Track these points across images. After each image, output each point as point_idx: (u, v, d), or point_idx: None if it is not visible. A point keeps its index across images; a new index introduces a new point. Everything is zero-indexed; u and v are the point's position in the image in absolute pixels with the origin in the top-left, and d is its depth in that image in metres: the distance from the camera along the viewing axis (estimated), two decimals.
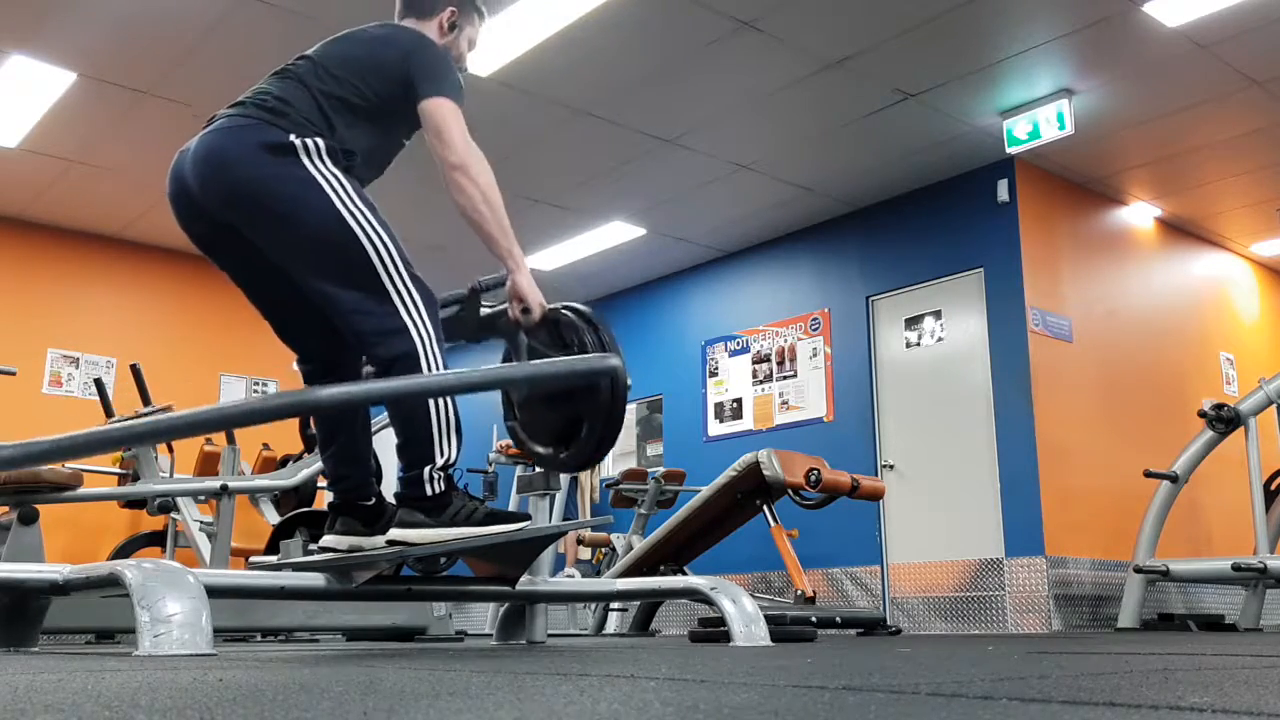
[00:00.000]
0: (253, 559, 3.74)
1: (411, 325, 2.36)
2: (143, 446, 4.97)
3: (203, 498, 5.45)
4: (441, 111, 2.44)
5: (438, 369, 2.38)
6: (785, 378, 7.36)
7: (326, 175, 2.34)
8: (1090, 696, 1.01)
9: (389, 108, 2.50)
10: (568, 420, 2.67)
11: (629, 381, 2.54)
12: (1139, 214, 7.12)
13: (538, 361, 2.48)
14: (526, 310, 2.52)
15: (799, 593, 4.93)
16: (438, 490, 2.40)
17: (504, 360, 2.75)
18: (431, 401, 2.38)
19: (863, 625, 5.12)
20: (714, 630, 3.35)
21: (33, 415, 7.01)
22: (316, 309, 2.45)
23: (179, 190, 2.43)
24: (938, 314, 6.63)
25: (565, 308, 2.68)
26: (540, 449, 2.78)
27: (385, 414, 2.58)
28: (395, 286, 2.36)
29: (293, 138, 2.33)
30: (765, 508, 5.16)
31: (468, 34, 2.75)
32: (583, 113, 5.79)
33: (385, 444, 2.72)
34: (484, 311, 2.73)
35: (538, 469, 2.97)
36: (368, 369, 2.54)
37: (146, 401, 5.36)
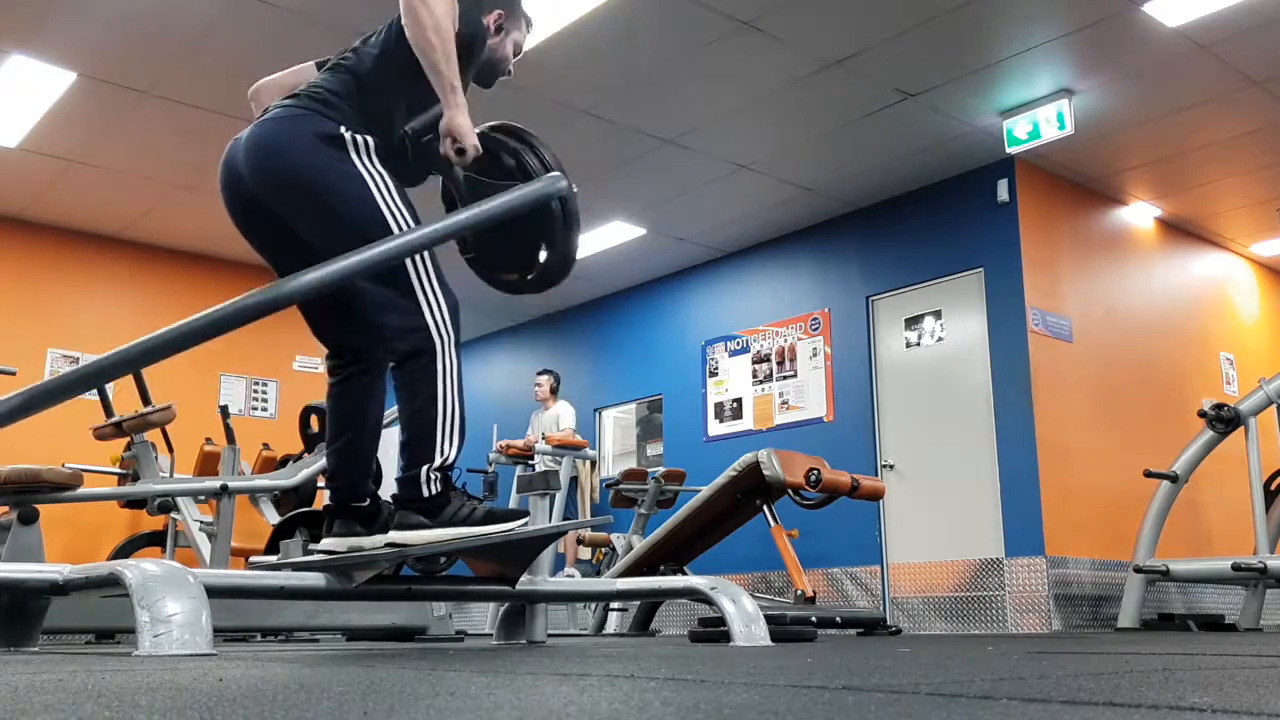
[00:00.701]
0: (253, 559, 3.74)
1: (433, 325, 2.42)
2: (141, 442, 4.96)
3: (203, 498, 5.45)
4: None
5: (453, 372, 2.43)
6: (785, 378, 7.36)
7: (373, 172, 2.41)
8: (1090, 696, 1.01)
9: (415, 83, 2.50)
10: (524, 242, 2.64)
11: (575, 188, 2.54)
12: (1139, 214, 7.12)
13: (488, 203, 2.43)
14: (461, 151, 2.50)
15: (799, 593, 4.93)
16: (434, 491, 2.41)
17: (443, 194, 2.72)
18: (441, 398, 2.42)
19: (863, 625, 5.11)
20: (714, 630, 3.35)
21: (32, 415, 7.00)
22: (347, 303, 2.50)
23: (230, 176, 2.48)
24: (938, 314, 6.63)
25: (494, 129, 2.65)
26: (504, 276, 2.75)
27: (394, 411, 2.57)
28: (423, 288, 2.42)
29: (344, 130, 2.40)
30: (765, 508, 5.16)
31: (514, 38, 2.77)
32: (583, 113, 5.79)
33: (385, 444, 2.71)
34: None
35: (537, 469, 2.97)
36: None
37: (146, 401, 5.35)
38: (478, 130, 2.56)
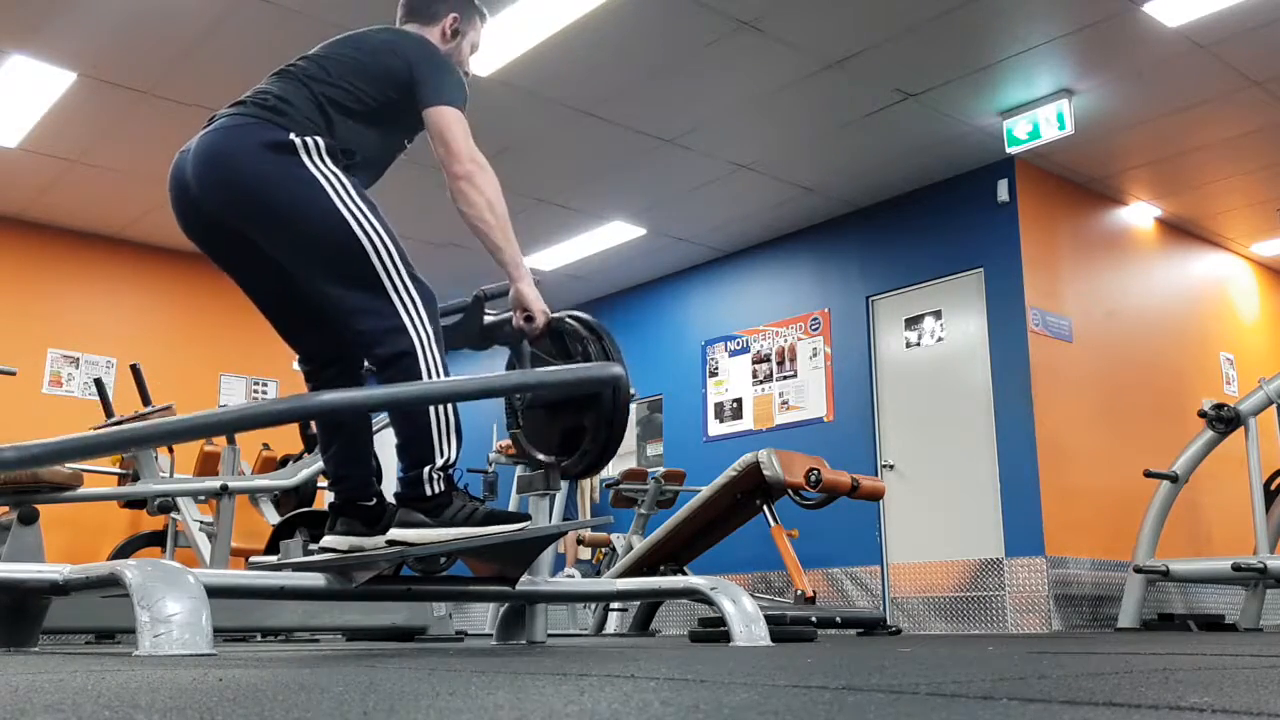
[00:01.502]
0: (253, 559, 3.74)
1: (410, 325, 2.36)
2: (146, 449, 4.96)
3: (203, 498, 5.45)
4: (446, 119, 2.45)
5: (437, 368, 2.38)
6: (785, 378, 7.36)
7: (327, 174, 2.35)
8: (1090, 696, 1.01)
9: (390, 112, 2.50)
10: (571, 428, 2.68)
11: (633, 390, 2.55)
12: (1139, 214, 7.12)
13: (541, 369, 2.48)
14: (530, 319, 2.53)
15: (799, 593, 4.93)
16: (437, 490, 2.40)
17: (508, 368, 2.76)
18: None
19: (863, 625, 5.11)
20: (714, 630, 3.35)
21: (33, 415, 7.01)
22: (317, 308, 2.46)
23: (179, 190, 2.43)
24: (938, 314, 6.63)
25: (570, 316, 2.69)
26: (543, 456, 2.78)
27: (384, 416, 2.58)
28: (395, 286, 2.36)
29: (293, 136, 2.33)
30: (765, 508, 5.16)
31: (470, 39, 2.76)
32: (583, 113, 5.79)
33: (385, 444, 2.72)
34: (488, 319, 2.73)
35: (538, 470, 2.98)
36: (368, 368, 2.54)
37: (146, 401, 5.36)
38: (555, 315, 2.59)
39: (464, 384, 2.35)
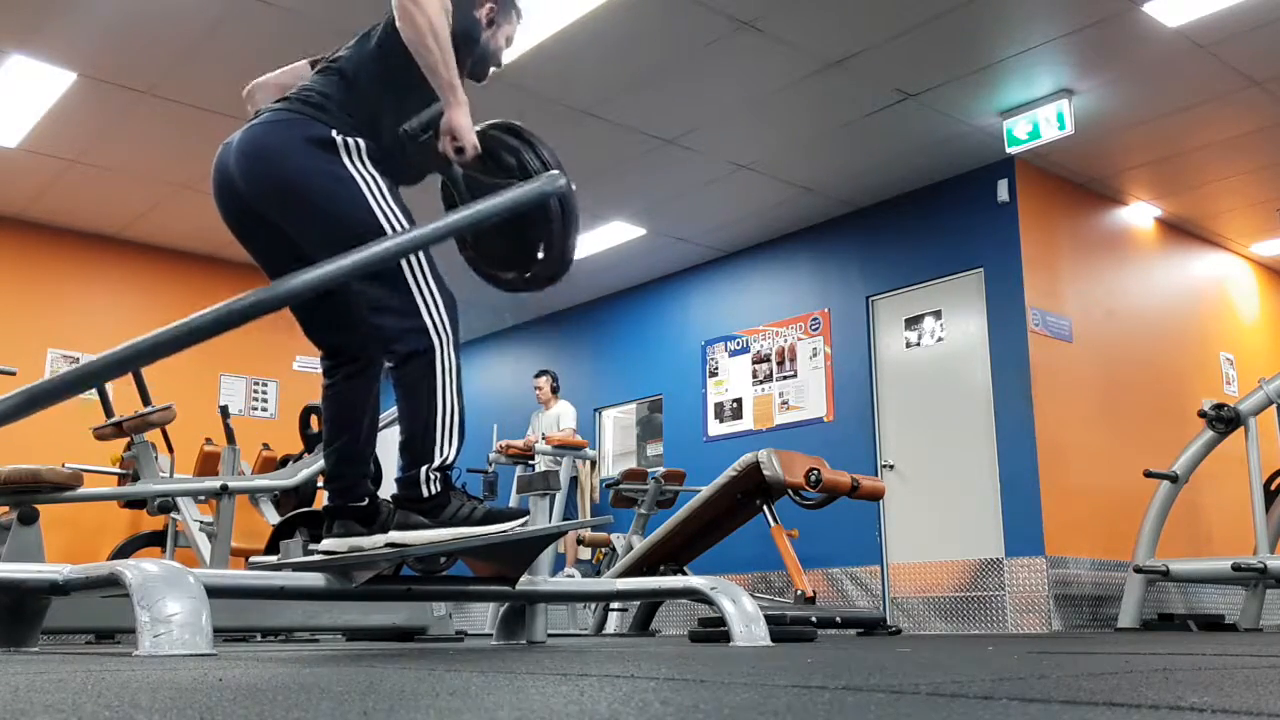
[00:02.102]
0: (253, 559, 3.74)
1: (431, 325, 2.41)
2: (141, 442, 4.96)
3: (203, 498, 5.45)
4: None
5: (453, 371, 2.42)
6: (785, 378, 7.36)
7: (365, 175, 2.40)
8: (1090, 696, 1.01)
9: (408, 78, 2.49)
10: (523, 241, 2.63)
11: (574, 186, 2.53)
12: (1139, 214, 7.12)
13: (488, 202, 2.42)
14: (460, 150, 2.49)
15: (799, 593, 4.93)
16: (434, 491, 2.41)
17: (442, 193, 2.71)
18: (440, 399, 2.41)
19: (863, 625, 5.11)
20: (714, 630, 3.35)
21: (32, 415, 7.00)
22: (342, 304, 2.50)
23: (223, 180, 2.47)
24: (938, 314, 6.63)
25: (493, 127, 2.64)
26: (504, 274, 2.74)
27: (392, 411, 2.57)
28: (419, 288, 2.41)
29: (335, 134, 2.39)
30: (765, 508, 5.16)
31: (505, 30, 2.76)
32: (583, 113, 5.79)
33: (385, 444, 2.72)
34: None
35: (537, 469, 2.97)
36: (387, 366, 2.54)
37: (146, 401, 5.35)
38: (477, 129, 2.55)
39: (421, 234, 2.30)
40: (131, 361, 2.20)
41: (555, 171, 2.53)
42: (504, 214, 2.43)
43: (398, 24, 2.43)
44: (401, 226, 2.39)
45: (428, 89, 2.50)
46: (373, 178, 2.41)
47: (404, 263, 2.39)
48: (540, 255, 2.61)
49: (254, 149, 2.40)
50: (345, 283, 2.38)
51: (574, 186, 2.54)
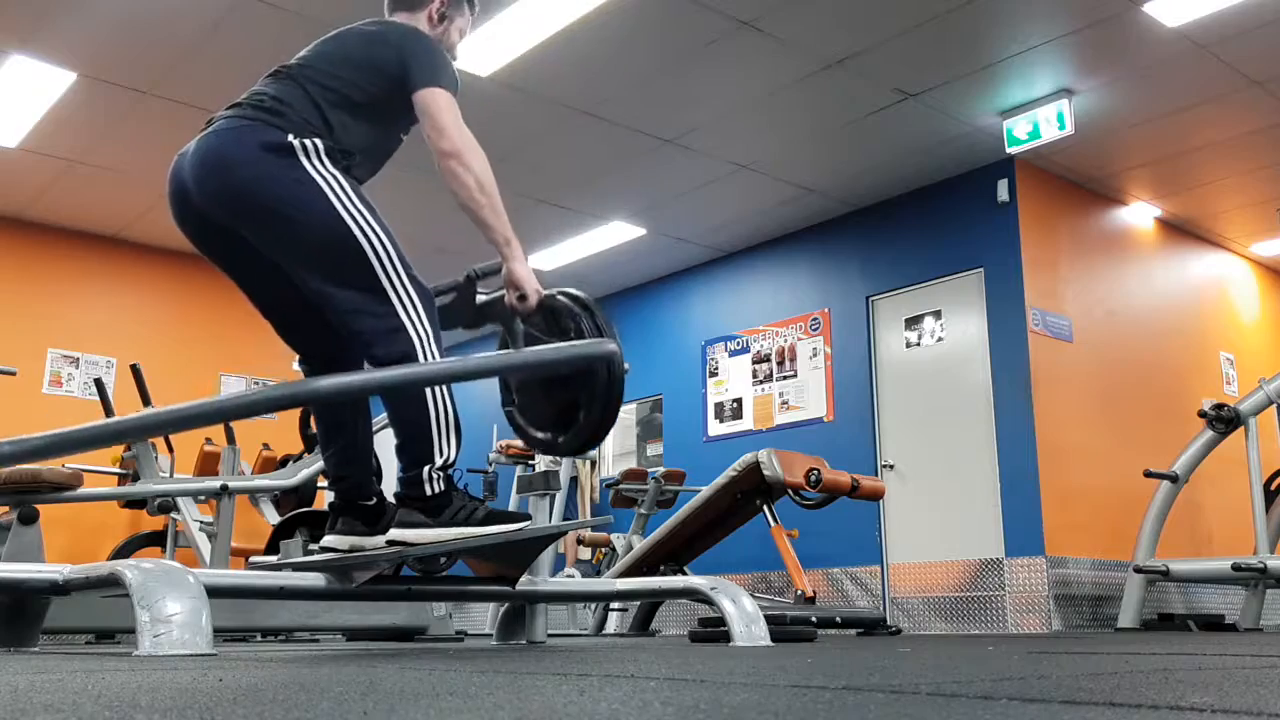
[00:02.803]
0: (253, 559, 3.74)
1: (410, 325, 2.37)
2: (141, 442, 4.96)
3: (203, 498, 5.45)
4: (435, 100, 2.44)
5: None
6: (785, 378, 7.36)
7: (325, 175, 2.35)
8: (1090, 696, 1.01)
9: (386, 104, 2.50)
10: (565, 405, 2.66)
11: (626, 366, 2.54)
12: (1139, 214, 7.12)
13: (535, 348, 2.47)
14: (523, 297, 2.52)
15: (799, 593, 4.93)
16: (437, 490, 2.40)
17: (500, 348, 2.75)
18: (430, 401, 2.39)
19: (863, 625, 5.11)
20: (714, 630, 3.35)
21: (33, 415, 7.01)
22: (316, 308, 2.46)
23: (178, 192, 2.43)
24: (938, 314, 6.63)
25: (560, 293, 2.68)
26: (538, 434, 2.77)
27: (386, 414, 2.58)
28: (393, 286, 2.37)
29: (291, 138, 2.33)
30: (765, 508, 5.16)
31: (458, 24, 2.76)
32: (583, 113, 5.79)
33: (385, 444, 2.72)
34: (480, 299, 2.72)
35: (537, 469, 2.98)
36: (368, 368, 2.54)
37: (146, 401, 5.35)
38: (545, 292, 2.58)
39: (460, 365, 2.35)
40: (150, 429, 2.23)
41: (609, 340, 2.53)
42: (552, 366, 2.48)
43: (445, 180, 2.42)
44: (365, 222, 2.35)
45: (399, 118, 2.53)
46: (334, 177, 2.36)
47: (376, 264, 2.35)
48: (579, 420, 2.63)
49: (209, 158, 2.35)
50: (320, 287, 2.37)
51: (627, 366, 2.56)
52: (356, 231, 2.34)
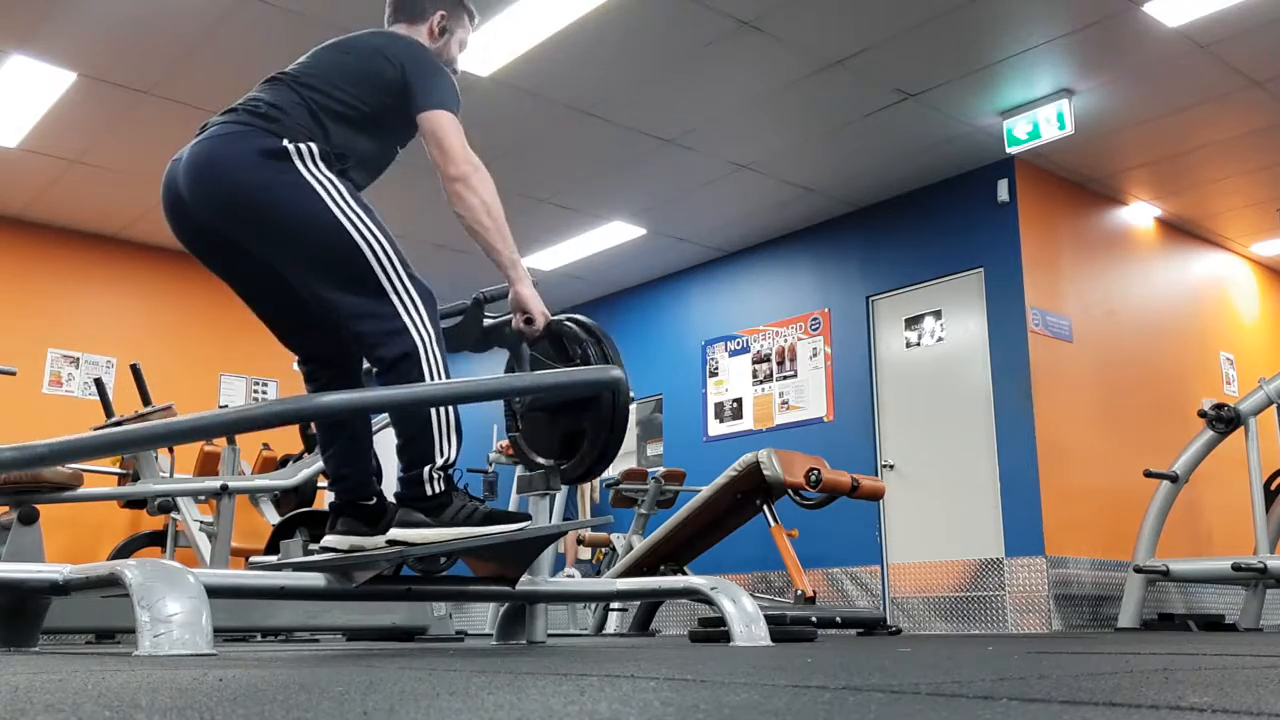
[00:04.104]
0: (253, 559, 3.74)
1: (411, 326, 2.36)
2: (143, 451, 4.96)
3: (203, 498, 5.45)
4: (440, 122, 2.44)
5: (438, 368, 2.38)
6: (785, 378, 7.36)
7: (321, 179, 2.34)
8: (1090, 696, 1.01)
9: (384, 117, 2.50)
10: (570, 432, 2.68)
11: (631, 394, 2.55)
12: (1139, 214, 7.12)
13: (540, 372, 2.48)
14: (530, 321, 2.52)
15: (799, 593, 4.93)
16: (437, 490, 2.40)
17: (507, 370, 2.75)
18: None
19: (863, 625, 5.11)
20: (714, 630, 3.35)
21: (33, 415, 7.01)
22: (315, 311, 2.45)
23: (172, 199, 2.43)
24: (938, 314, 6.63)
25: (568, 319, 2.69)
26: (542, 460, 2.78)
27: (387, 414, 2.58)
28: (394, 287, 2.36)
29: (286, 143, 2.32)
30: (765, 508, 5.16)
31: (459, 37, 2.76)
32: (583, 113, 5.79)
33: (385, 444, 2.72)
34: (487, 322, 2.74)
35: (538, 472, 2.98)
36: (368, 367, 2.54)
37: (146, 401, 5.35)
38: (553, 318, 2.59)
39: (464, 387, 2.35)
40: (156, 440, 2.23)
41: (615, 367, 2.54)
42: (557, 391, 2.50)
43: (452, 205, 2.44)
44: (363, 224, 2.34)
45: (397, 130, 2.53)
46: (329, 180, 2.35)
47: (376, 265, 2.34)
48: (584, 447, 2.64)
49: (202, 165, 2.33)
50: (319, 291, 2.36)
51: (633, 396, 2.58)
52: (355, 234, 2.33)
